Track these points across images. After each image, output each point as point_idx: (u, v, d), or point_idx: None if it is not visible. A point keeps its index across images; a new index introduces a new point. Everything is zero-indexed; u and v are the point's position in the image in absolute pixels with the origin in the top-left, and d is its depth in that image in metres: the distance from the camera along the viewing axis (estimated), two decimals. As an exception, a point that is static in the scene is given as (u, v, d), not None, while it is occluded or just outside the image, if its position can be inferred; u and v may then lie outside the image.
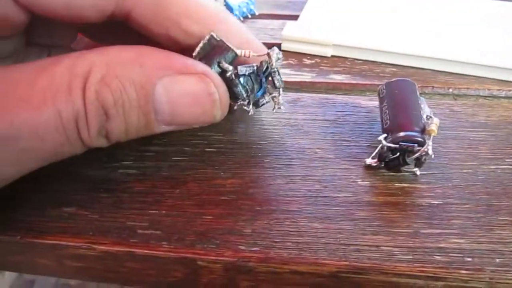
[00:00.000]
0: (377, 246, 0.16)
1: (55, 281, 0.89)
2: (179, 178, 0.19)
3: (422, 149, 0.18)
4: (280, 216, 0.17)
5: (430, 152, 0.18)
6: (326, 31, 0.29)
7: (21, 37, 0.17)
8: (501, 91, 0.25)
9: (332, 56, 0.28)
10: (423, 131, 0.18)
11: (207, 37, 0.16)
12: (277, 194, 0.18)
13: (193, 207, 0.18)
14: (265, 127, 0.22)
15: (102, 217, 0.17)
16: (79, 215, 0.17)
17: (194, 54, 0.17)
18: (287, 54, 0.29)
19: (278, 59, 0.18)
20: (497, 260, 0.16)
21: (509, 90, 0.25)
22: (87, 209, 0.18)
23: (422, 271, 0.15)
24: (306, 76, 0.26)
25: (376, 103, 0.24)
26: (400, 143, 0.18)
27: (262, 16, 0.34)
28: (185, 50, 0.17)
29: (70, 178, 0.19)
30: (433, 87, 0.25)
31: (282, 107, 0.19)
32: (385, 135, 0.19)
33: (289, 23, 0.30)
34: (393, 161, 0.19)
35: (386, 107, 0.20)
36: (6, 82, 0.13)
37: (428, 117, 0.19)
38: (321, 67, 0.27)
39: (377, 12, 0.32)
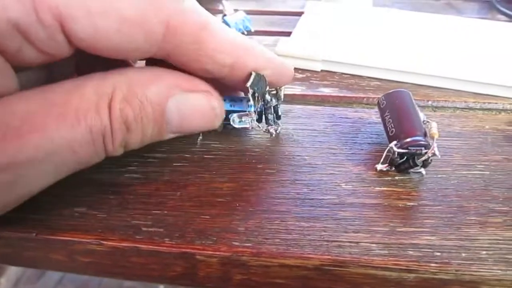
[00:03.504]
0: (356, 243, 0.18)
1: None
2: (179, 182, 0.21)
3: (429, 151, 0.20)
4: (271, 216, 0.19)
5: (437, 153, 0.20)
6: (316, 47, 0.31)
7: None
8: (476, 103, 0.27)
9: (322, 70, 0.31)
10: (425, 134, 0.20)
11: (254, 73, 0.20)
12: (268, 197, 0.20)
13: (193, 208, 0.19)
14: (258, 136, 0.24)
15: (110, 217, 0.19)
16: (89, 215, 0.19)
17: (247, 84, 0.19)
18: (280, 68, 0.31)
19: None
20: (463, 254, 0.17)
21: (484, 103, 0.27)
22: (96, 209, 0.19)
23: (396, 264, 0.17)
24: (297, 89, 0.29)
25: (362, 114, 0.26)
26: (409, 147, 0.20)
27: (257, 33, 0.36)
28: (219, 79, 0.19)
29: (81, 182, 0.21)
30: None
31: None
32: (395, 142, 0.20)
33: (282, 39, 0.32)
34: (404, 164, 0.21)
35: (388, 116, 0.22)
36: (44, 103, 0.15)
37: (424, 121, 0.21)
38: (311, 81, 0.30)
39: (364, 30, 0.34)
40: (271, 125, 0.23)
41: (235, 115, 0.21)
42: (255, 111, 0.21)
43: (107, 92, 0.16)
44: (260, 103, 0.21)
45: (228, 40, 0.18)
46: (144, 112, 0.17)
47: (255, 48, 0.19)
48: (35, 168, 0.15)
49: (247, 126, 0.22)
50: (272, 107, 0.22)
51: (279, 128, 0.24)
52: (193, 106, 0.18)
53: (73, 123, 0.15)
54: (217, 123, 0.20)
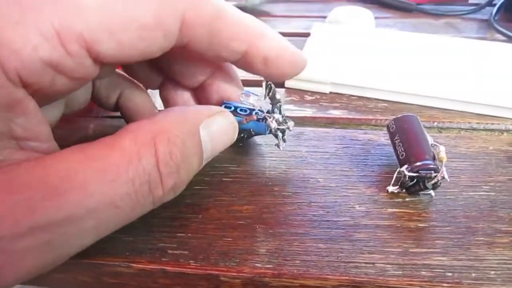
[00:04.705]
0: (372, 263, 0.19)
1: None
2: (201, 205, 0.22)
3: (439, 174, 0.21)
4: (290, 237, 0.20)
5: (446, 176, 0.21)
6: (325, 70, 0.32)
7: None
8: (480, 124, 0.29)
9: (331, 92, 0.32)
10: (434, 158, 0.21)
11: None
12: (286, 219, 0.21)
13: (215, 230, 0.20)
14: (273, 158, 0.25)
15: (136, 240, 0.20)
16: (115, 238, 0.20)
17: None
18: (290, 91, 0.32)
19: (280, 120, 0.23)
20: (473, 274, 0.18)
21: (487, 123, 0.29)
22: (122, 233, 0.20)
23: (410, 285, 0.18)
24: (308, 112, 0.30)
25: (371, 136, 0.27)
26: (419, 171, 0.21)
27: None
28: (232, 63, 0.20)
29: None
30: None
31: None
32: (405, 165, 0.21)
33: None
34: (414, 186, 0.22)
35: (398, 140, 0.23)
36: (83, 159, 0.15)
37: (432, 145, 0.22)
38: (321, 103, 0.31)
39: (370, 53, 0.36)
40: (280, 123, 0.23)
41: (243, 94, 0.22)
42: (264, 96, 0.22)
43: (147, 140, 0.16)
44: (268, 96, 0.22)
45: (242, 27, 0.19)
46: (188, 148, 0.17)
47: (269, 35, 0.20)
48: (75, 226, 0.15)
49: (253, 103, 0.22)
50: (279, 106, 0.23)
51: (286, 134, 0.24)
52: (218, 127, 0.19)
53: (114, 177, 0.15)
54: (236, 135, 0.21)
